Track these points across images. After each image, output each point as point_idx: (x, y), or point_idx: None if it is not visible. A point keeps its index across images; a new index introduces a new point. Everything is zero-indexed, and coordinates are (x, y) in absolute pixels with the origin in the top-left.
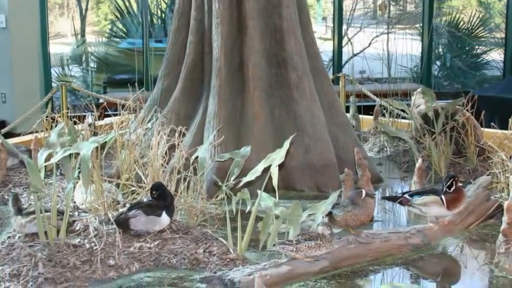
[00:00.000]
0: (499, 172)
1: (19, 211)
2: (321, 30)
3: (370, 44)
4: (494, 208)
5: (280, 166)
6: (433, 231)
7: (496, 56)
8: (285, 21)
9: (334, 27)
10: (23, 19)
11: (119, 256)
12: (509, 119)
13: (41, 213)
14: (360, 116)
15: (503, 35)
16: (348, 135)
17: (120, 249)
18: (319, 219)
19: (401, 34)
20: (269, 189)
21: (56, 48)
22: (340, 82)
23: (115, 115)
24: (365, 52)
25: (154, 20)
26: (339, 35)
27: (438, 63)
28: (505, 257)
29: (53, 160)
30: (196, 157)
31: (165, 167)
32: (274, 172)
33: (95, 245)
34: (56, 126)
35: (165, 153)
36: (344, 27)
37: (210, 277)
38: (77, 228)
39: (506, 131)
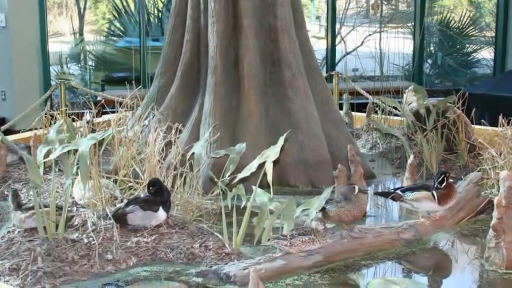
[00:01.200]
0: (489, 168)
1: (18, 206)
2: (315, 29)
3: (362, 42)
4: (485, 204)
5: (275, 162)
6: (425, 226)
7: (487, 54)
8: (280, 20)
9: (327, 26)
10: (23, 18)
11: (117, 250)
12: (500, 116)
13: (40, 208)
14: (353, 113)
15: (493, 34)
16: (341, 132)
17: (118, 244)
18: (313, 214)
19: (394, 33)
20: (264, 185)
21: (54, 46)
22: (334, 80)
23: (113, 112)
24: (358, 50)
25: (151, 19)
26: (332, 34)
27: (430, 61)
28: (495, 251)
29: (52, 156)
30: (193, 153)
31: (162, 163)
32: (269, 168)
33: (93, 240)
34: (54, 123)
35: (162, 149)
36: (337, 26)
37: (206, 271)
38: (76, 223)
39: (496, 128)
